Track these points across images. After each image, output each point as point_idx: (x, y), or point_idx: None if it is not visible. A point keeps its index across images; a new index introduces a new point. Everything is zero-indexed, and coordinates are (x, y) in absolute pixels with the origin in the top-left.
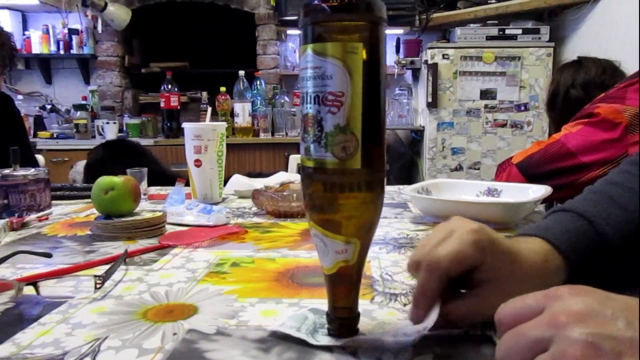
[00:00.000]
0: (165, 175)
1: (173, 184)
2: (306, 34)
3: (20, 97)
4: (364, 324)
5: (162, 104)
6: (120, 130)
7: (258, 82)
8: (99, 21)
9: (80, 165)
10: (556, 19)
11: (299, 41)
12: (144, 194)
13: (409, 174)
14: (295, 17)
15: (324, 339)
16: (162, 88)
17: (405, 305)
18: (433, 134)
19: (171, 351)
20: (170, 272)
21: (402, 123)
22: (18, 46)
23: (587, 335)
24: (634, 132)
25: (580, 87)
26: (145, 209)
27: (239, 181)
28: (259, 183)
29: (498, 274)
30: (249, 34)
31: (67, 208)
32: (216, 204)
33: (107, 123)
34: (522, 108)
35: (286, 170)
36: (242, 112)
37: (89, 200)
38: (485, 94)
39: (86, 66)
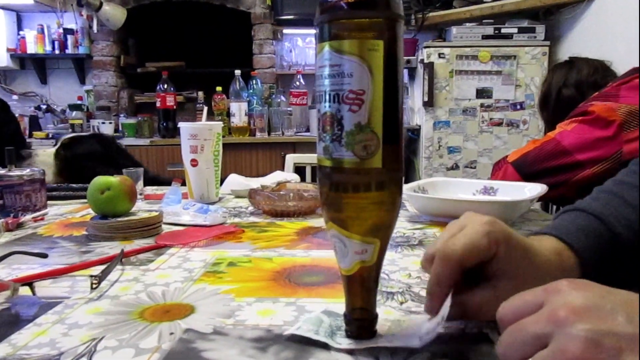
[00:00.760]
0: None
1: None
2: (323, 32)
3: (15, 97)
4: (378, 324)
5: (158, 104)
6: (116, 130)
7: (254, 82)
8: (94, 21)
9: (45, 155)
10: (552, 18)
11: (295, 40)
12: (140, 194)
13: (405, 172)
14: (291, 17)
15: (344, 342)
16: (158, 88)
17: (402, 303)
18: (429, 133)
19: (168, 351)
20: (167, 272)
21: None
22: (13, 46)
23: (587, 332)
24: (628, 130)
25: (572, 86)
26: (142, 209)
27: (235, 181)
28: (255, 182)
29: (512, 266)
30: (245, 34)
31: (63, 208)
32: (213, 203)
33: (103, 123)
34: (518, 107)
35: (283, 169)
36: (239, 111)
37: (85, 200)
38: (481, 93)
39: (81, 66)
